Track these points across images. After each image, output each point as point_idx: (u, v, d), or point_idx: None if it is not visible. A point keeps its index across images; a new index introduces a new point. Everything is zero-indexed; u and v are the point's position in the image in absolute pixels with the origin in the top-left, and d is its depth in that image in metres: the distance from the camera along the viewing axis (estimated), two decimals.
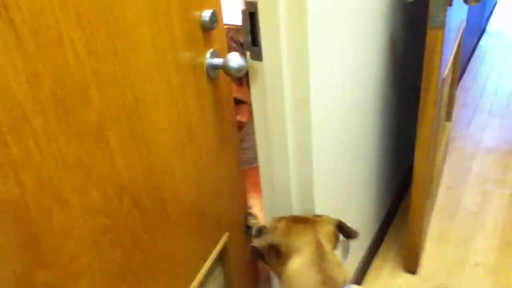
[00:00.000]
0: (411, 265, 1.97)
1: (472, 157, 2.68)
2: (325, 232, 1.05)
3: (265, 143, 1.24)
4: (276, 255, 1.04)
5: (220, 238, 1.26)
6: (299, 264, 1.00)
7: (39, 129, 0.65)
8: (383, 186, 2.05)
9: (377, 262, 2.06)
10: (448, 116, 2.45)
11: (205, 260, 1.20)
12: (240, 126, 1.73)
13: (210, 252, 1.22)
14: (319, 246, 1.02)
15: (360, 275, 1.98)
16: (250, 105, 1.60)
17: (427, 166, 1.69)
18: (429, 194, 1.95)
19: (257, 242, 1.05)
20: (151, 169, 0.90)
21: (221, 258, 1.32)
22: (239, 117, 1.64)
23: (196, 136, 1.05)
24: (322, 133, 1.26)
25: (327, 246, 1.03)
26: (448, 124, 2.48)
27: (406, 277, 1.97)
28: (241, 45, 1.53)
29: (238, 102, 1.60)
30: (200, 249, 1.16)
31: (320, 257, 1.00)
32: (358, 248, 1.90)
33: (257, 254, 1.07)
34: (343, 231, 1.14)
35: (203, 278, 1.21)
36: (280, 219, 1.10)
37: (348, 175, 1.59)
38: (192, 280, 1.14)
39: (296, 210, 1.33)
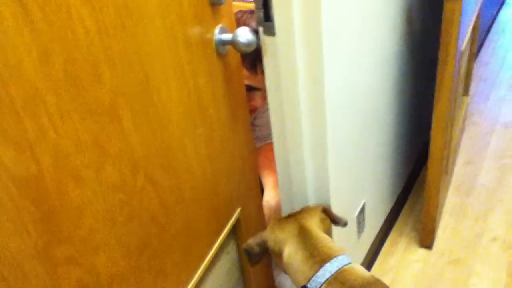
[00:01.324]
0: (426, 240, 1.97)
1: (490, 132, 2.64)
2: (308, 218, 1.12)
3: (279, 119, 1.24)
4: (273, 254, 1.11)
5: (233, 213, 1.28)
6: (289, 251, 1.07)
7: (52, 107, 0.66)
8: (399, 161, 2.04)
9: (392, 237, 2.06)
10: (466, 90, 2.40)
11: (218, 235, 1.22)
12: (253, 110, 1.74)
13: (223, 227, 1.23)
14: (302, 230, 1.08)
15: (375, 250, 1.99)
16: (263, 91, 1.60)
17: (443, 141, 1.67)
18: (446, 169, 1.94)
19: (247, 244, 1.12)
20: (164, 146, 0.92)
21: (234, 232, 1.34)
22: (252, 103, 1.66)
23: (207, 112, 1.05)
24: (337, 107, 1.25)
25: (311, 228, 1.09)
26: (465, 99, 2.44)
27: (422, 252, 1.97)
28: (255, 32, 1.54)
29: (251, 89, 1.61)
30: (214, 224, 1.18)
31: (304, 238, 1.06)
32: (373, 223, 1.90)
33: (254, 256, 1.15)
34: (329, 216, 1.19)
35: (217, 252, 1.23)
36: (270, 221, 1.17)
37: (364, 149, 1.58)
38: (206, 254, 1.17)
39: (311, 185, 1.33)
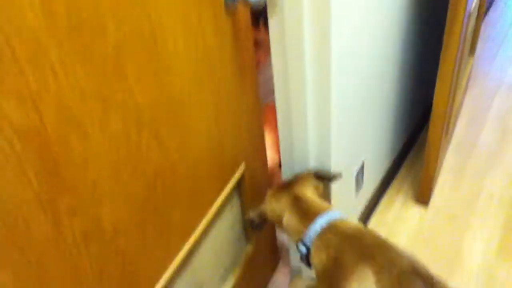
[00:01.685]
0: (424, 197, 2.00)
1: (494, 93, 2.62)
2: (301, 188, 1.20)
3: (282, 73, 1.22)
4: (273, 222, 1.21)
5: (237, 168, 1.28)
6: (286, 218, 1.16)
7: (55, 59, 0.64)
8: (401, 120, 2.04)
9: (390, 194, 2.09)
10: (472, 50, 2.36)
11: (222, 190, 1.23)
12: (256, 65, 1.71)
13: (227, 182, 1.25)
14: (296, 199, 1.17)
15: (373, 206, 2.02)
16: (266, 46, 1.57)
17: (447, 101, 1.66)
18: (447, 129, 1.94)
19: (248, 216, 1.25)
20: (169, 101, 0.91)
21: (238, 187, 1.35)
22: (256, 57, 1.63)
23: (215, 69, 1.04)
24: (342, 64, 1.23)
25: (304, 195, 1.18)
26: (471, 59, 2.41)
27: (418, 208, 2.01)
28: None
29: (254, 44, 1.58)
30: (218, 179, 1.19)
31: (298, 204, 1.16)
32: (372, 180, 1.92)
33: (256, 226, 1.26)
34: (323, 177, 1.26)
35: (221, 207, 1.25)
36: (268, 193, 1.25)
37: (367, 107, 1.57)
38: (210, 208, 1.18)
39: (312, 142, 1.33)
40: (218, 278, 1.39)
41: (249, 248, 1.53)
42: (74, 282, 0.78)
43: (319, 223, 1.09)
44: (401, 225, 1.95)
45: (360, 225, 1.10)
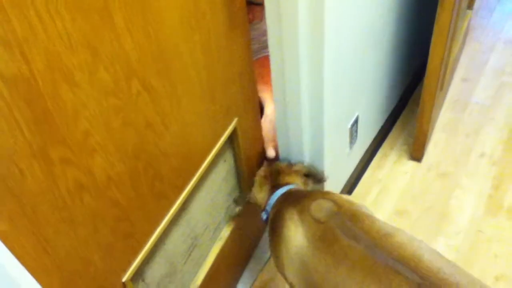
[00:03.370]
0: (417, 154, 2.02)
1: (491, 48, 2.59)
2: (287, 180, 1.33)
3: (276, 27, 1.21)
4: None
5: (230, 122, 1.29)
6: (258, 196, 1.36)
7: (41, 5, 0.63)
8: (396, 76, 2.03)
9: (383, 150, 2.11)
10: (470, 4, 2.32)
11: (215, 143, 1.23)
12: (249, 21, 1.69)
13: (220, 135, 1.25)
14: (274, 187, 1.32)
15: (366, 162, 2.04)
16: (262, 6, 1.54)
17: (442, 56, 1.64)
18: (442, 85, 1.93)
19: (239, 201, 1.46)
20: (159, 51, 0.90)
21: (231, 141, 1.36)
22: (250, 16, 1.61)
23: (204, 17, 1.02)
24: (336, 16, 1.21)
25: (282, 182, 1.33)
26: (469, 12, 2.37)
27: (411, 165, 2.03)
28: None
29: (250, 3, 1.55)
30: (211, 132, 1.19)
31: (272, 187, 1.32)
32: (366, 136, 1.93)
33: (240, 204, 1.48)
34: (312, 177, 1.38)
35: (214, 160, 1.26)
36: (257, 177, 1.40)
37: (361, 62, 1.56)
38: (203, 161, 1.19)
39: (305, 95, 1.33)
40: (213, 230, 1.42)
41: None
42: (69, 231, 0.80)
43: (278, 193, 1.27)
44: (393, 181, 1.97)
45: (304, 189, 1.31)
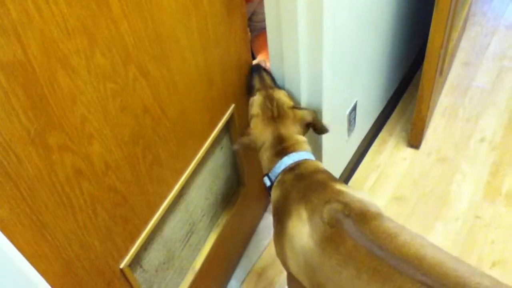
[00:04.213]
0: (415, 140, 2.02)
1: (492, 33, 2.58)
2: (287, 128, 1.22)
3: (275, 11, 1.19)
4: (253, 147, 1.26)
5: (227, 109, 1.28)
6: (262, 153, 1.23)
7: None
8: (395, 62, 2.02)
9: (382, 136, 2.11)
10: None
11: (213, 129, 1.23)
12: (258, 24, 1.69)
13: (217, 122, 1.25)
14: (278, 136, 1.21)
15: (365, 148, 2.04)
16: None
17: (442, 41, 1.63)
18: (441, 70, 1.92)
19: (235, 147, 1.27)
20: (156, 36, 0.89)
21: (228, 128, 1.36)
22: (249, 6, 1.60)
23: (201, 3, 1.01)
24: (335, 2, 1.20)
25: (286, 134, 1.21)
26: None
27: (410, 151, 2.03)
28: None
29: None
30: (208, 118, 1.19)
31: (277, 142, 1.20)
32: (364, 122, 1.93)
33: (240, 149, 1.32)
34: (315, 128, 1.28)
35: (211, 146, 1.26)
36: (253, 117, 1.25)
37: (361, 48, 1.55)
38: (200, 147, 1.19)
39: (304, 79, 1.32)
40: (210, 217, 1.42)
41: (240, 188, 1.56)
42: (68, 218, 0.80)
43: (285, 162, 1.17)
44: (392, 167, 1.98)
45: (318, 166, 1.18)
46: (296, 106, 1.27)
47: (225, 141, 1.37)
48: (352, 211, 1.01)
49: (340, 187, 1.09)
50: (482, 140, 2.03)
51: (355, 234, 0.97)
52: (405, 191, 1.88)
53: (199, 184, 1.28)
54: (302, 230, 1.04)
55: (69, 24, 0.69)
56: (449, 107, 2.19)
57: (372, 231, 0.97)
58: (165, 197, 1.08)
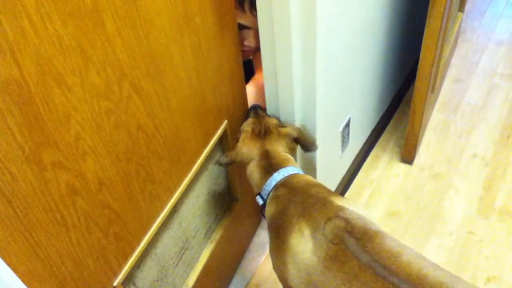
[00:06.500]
0: (408, 156, 2.03)
1: (482, 49, 2.62)
2: (273, 144, 1.25)
3: (269, 33, 1.21)
4: (241, 164, 1.27)
5: (220, 125, 1.29)
6: (250, 169, 1.24)
7: (32, 9, 0.63)
8: (388, 78, 2.04)
9: (375, 152, 2.12)
10: (462, 6, 2.34)
11: (206, 145, 1.24)
12: (249, 52, 1.70)
13: (210, 138, 1.25)
14: (265, 153, 1.23)
15: (358, 164, 2.05)
16: (255, 30, 1.55)
17: (433, 57, 1.66)
18: (433, 86, 1.94)
19: (221, 159, 1.27)
20: (149, 54, 0.90)
21: (221, 143, 1.36)
22: (245, 42, 1.62)
23: (194, 20, 1.02)
24: (328, 16, 1.22)
25: (274, 151, 1.23)
26: (460, 14, 2.39)
27: (403, 167, 2.04)
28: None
29: (243, 27, 1.56)
30: (201, 134, 1.20)
31: (265, 158, 1.22)
32: (358, 138, 1.94)
33: (224, 165, 1.33)
34: (301, 143, 1.30)
35: (204, 162, 1.26)
36: (242, 133, 1.28)
37: (354, 64, 1.57)
38: (193, 164, 1.19)
39: (298, 97, 1.33)
40: (204, 233, 1.42)
41: (233, 204, 1.56)
42: (61, 235, 0.80)
43: (275, 178, 1.18)
44: (385, 183, 1.99)
45: (310, 180, 1.19)
46: (280, 125, 1.32)
47: (218, 157, 1.38)
48: (354, 228, 1.01)
49: (340, 202, 1.09)
50: (474, 156, 2.05)
51: (358, 253, 0.97)
52: (399, 207, 1.89)
53: (193, 200, 1.28)
54: (306, 247, 1.04)
55: (64, 42, 0.70)
56: (441, 123, 2.21)
57: (376, 251, 0.97)
58: (158, 214, 1.08)
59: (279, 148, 1.25)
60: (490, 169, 1.98)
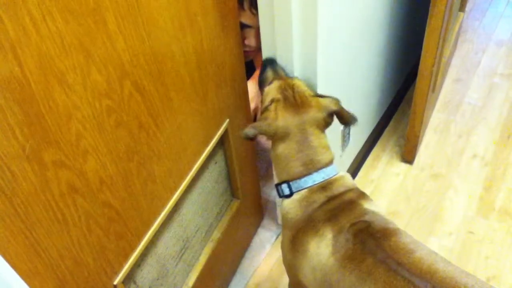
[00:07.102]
0: (408, 155, 2.03)
1: (483, 49, 2.61)
2: (313, 120, 1.08)
3: (270, 31, 1.21)
4: (268, 138, 1.11)
5: (221, 124, 1.29)
6: (283, 148, 1.08)
7: (33, 6, 0.63)
8: (388, 78, 2.04)
9: (375, 152, 2.12)
10: (462, 6, 2.34)
11: (207, 144, 1.23)
12: (251, 52, 1.70)
13: (212, 137, 1.25)
14: (303, 133, 1.07)
15: (358, 164, 2.04)
16: (255, 29, 1.55)
17: (434, 57, 1.65)
18: (434, 86, 1.94)
19: (248, 131, 1.08)
20: (151, 53, 0.89)
21: (222, 143, 1.36)
22: (246, 42, 1.62)
23: (196, 19, 1.02)
24: (329, 16, 1.22)
25: (312, 132, 1.08)
26: (461, 14, 2.38)
27: (403, 166, 2.04)
28: None
29: (243, 26, 1.56)
30: (203, 133, 1.19)
31: (303, 143, 1.07)
32: (358, 138, 1.94)
33: (250, 138, 1.11)
34: (341, 117, 1.15)
35: (205, 162, 1.26)
36: (273, 102, 1.10)
37: (354, 64, 1.57)
38: (194, 163, 1.19)
39: None
40: (204, 232, 1.42)
41: (234, 203, 1.56)
42: (62, 234, 0.79)
43: (314, 179, 1.07)
44: (386, 182, 1.98)
45: (347, 184, 1.10)
46: (318, 94, 1.15)
47: (219, 156, 1.38)
48: (375, 229, 1.00)
49: (367, 205, 1.07)
50: (474, 156, 2.04)
51: (375, 251, 0.97)
52: (399, 206, 1.88)
53: (193, 199, 1.28)
54: (325, 250, 1.02)
55: (65, 41, 0.70)
56: (441, 123, 2.21)
57: (391, 247, 0.97)
58: (159, 212, 1.08)
59: (319, 131, 1.09)
60: (490, 169, 1.98)
